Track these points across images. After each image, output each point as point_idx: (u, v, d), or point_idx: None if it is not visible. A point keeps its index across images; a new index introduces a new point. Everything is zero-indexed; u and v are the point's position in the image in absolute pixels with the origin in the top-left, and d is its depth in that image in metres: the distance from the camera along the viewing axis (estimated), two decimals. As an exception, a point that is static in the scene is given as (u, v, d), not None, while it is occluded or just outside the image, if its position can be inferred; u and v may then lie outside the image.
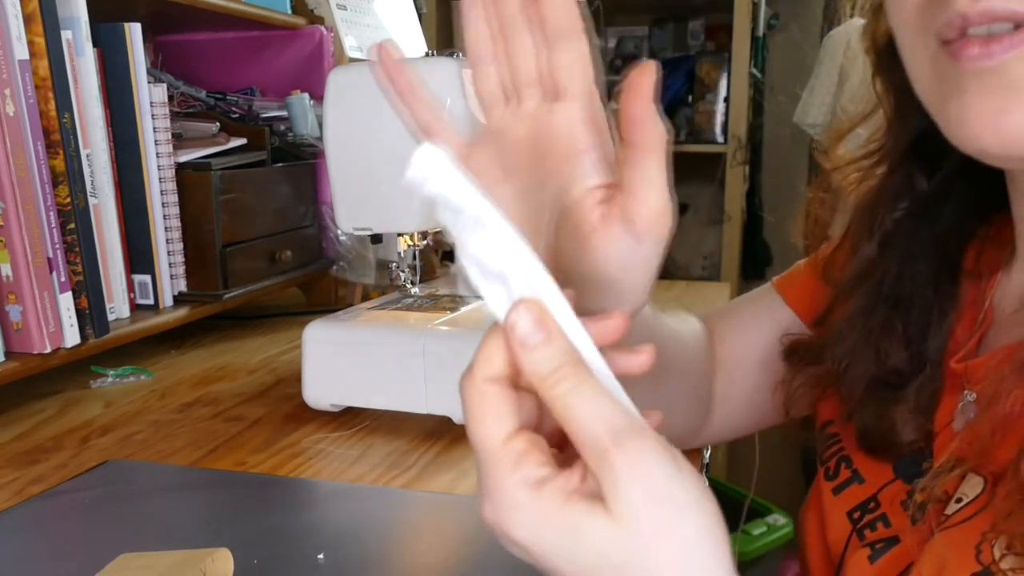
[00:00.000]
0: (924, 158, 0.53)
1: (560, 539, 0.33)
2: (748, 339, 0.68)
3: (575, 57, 0.41)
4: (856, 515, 0.53)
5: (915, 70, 0.45)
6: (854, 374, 0.54)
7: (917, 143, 0.53)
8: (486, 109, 0.44)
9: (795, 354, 0.62)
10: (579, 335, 0.34)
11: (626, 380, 0.36)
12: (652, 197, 0.40)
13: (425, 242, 0.82)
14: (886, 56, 0.53)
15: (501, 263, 0.34)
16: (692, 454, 0.75)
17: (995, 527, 0.41)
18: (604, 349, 0.35)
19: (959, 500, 0.44)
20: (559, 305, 0.34)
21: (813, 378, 0.59)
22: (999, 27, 0.39)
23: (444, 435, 0.79)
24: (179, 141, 1.05)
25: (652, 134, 0.39)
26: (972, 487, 0.44)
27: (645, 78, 0.38)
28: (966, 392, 0.49)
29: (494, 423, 0.34)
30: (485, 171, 0.43)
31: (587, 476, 0.33)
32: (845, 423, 0.56)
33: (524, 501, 0.33)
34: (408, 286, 0.88)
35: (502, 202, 0.39)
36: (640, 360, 0.37)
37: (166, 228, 1.02)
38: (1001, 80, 0.39)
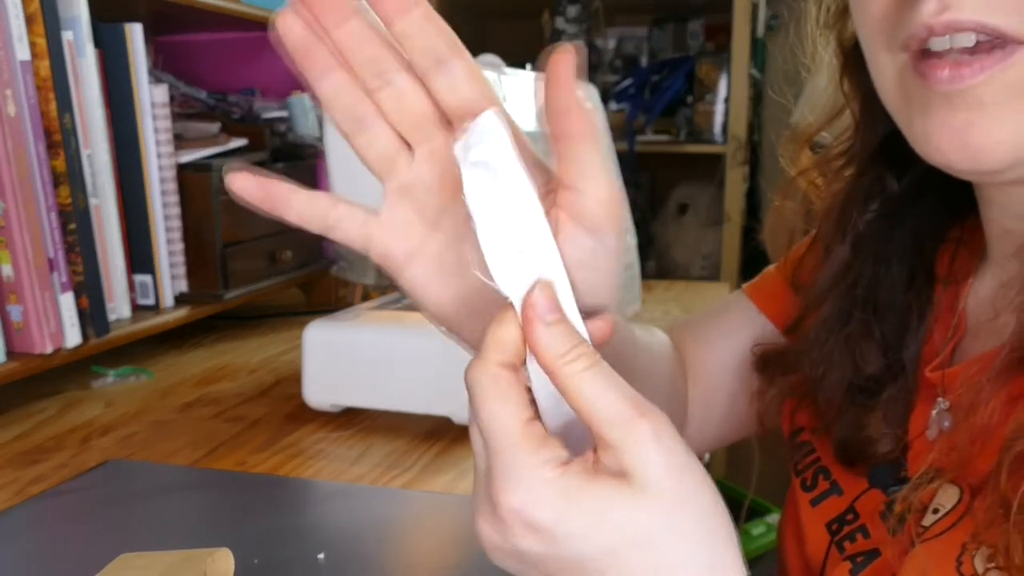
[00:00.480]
0: (893, 159, 0.53)
1: (587, 517, 0.33)
2: (723, 348, 0.66)
3: (461, 76, 0.37)
4: (834, 527, 0.52)
5: (881, 82, 0.45)
6: (831, 381, 0.53)
7: (886, 144, 0.53)
8: (384, 173, 0.40)
9: (768, 364, 0.61)
10: (580, 324, 0.35)
11: None
12: (599, 187, 0.37)
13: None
14: (853, 58, 0.53)
15: (523, 241, 0.34)
16: (691, 454, 0.75)
17: (976, 538, 0.40)
18: None
19: (935, 511, 0.44)
20: (567, 292, 0.35)
21: (787, 387, 0.58)
22: (961, 39, 0.39)
23: (444, 435, 0.79)
24: (180, 142, 1.05)
25: (583, 121, 0.36)
26: (948, 497, 0.44)
27: (565, 62, 0.35)
28: (940, 400, 0.49)
29: (513, 406, 0.34)
30: (407, 230, 0.40)
31: (599, 460, 0.33)
32: (822, 436, 0.55)
33: (552, 478, 0.33)
34: (408, 286, 0.88)
35: (439, 252, 0.40)
36: (600, 326, 0.37)
37: (167, 228, 1.02)
38: (968, 100, 0.40)
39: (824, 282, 0.56)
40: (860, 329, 0.53)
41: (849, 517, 0.51)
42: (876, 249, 0.53)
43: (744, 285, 0.68)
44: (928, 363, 0.51)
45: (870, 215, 0.54)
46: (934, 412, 0.49)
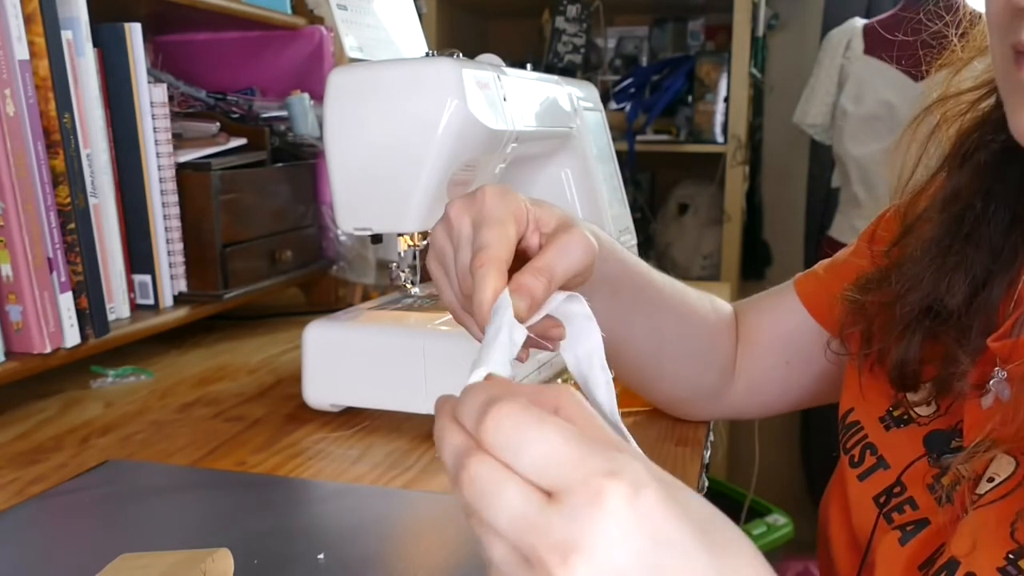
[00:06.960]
0: None
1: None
2: (766, 321, 0.75)
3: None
4: (882, 499, 0.54)
5: (992, 57, 0.50)
6: (912, 299, 0.56)
7: None
8: None
9: (857, 284, 0.63)
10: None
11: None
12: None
13: (425, 242, 0.82)
14: None
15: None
16: (692, 454, 0.75)
17: None
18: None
19: (991, 480, 0.46)
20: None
21: (860, 307, 0.61)
22: None
23: (444, 435, 0.79)
24: (179, 141, 1.05)
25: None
26: (1004, 467, 0.45)
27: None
28: (997, 370, 0.50)
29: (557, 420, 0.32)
30: None
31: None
32: (882, 359, 0.57)
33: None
34: (408, 286, 0.88)
35: None
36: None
37: (166, 228, 1.02)
38: None
39: (935, 204, 0.58)
40: (956, 258, 0.55)
41: (897, 490, 0.53)
42: (991, 183, 0.56)
43: (798, 275, 0.75)
44: (992, 333, 0.53)
45: (996, 145, 0.56)
46: (991, 382, 0.50)
